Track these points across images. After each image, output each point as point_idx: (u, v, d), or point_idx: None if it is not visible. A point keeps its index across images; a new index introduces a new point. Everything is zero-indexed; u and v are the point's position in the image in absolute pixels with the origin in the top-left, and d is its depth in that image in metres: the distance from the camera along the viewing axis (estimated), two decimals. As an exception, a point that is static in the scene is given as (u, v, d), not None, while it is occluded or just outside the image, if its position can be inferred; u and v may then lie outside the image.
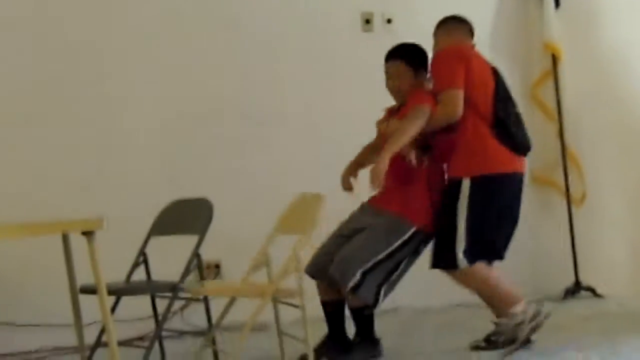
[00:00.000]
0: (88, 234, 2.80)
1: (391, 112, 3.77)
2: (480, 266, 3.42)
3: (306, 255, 3.18)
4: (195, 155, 4.68)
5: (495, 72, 3.66)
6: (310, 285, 3.17)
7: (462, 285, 3.47)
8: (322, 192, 3.44)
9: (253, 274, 3.34)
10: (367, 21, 5.05)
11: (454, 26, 3.93)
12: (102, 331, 3.42)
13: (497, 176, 3.52)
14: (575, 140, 5.33)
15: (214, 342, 3.48)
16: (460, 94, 3.43)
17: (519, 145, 3.65)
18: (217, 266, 4.26)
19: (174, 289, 3.28)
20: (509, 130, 3.56)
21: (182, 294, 3.39)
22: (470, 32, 3.90)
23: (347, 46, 5.01)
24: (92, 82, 4.53)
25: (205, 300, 3.47)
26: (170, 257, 3.51)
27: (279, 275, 3.03)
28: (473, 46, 3.81)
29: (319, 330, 3.66)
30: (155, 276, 3.61)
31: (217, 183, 4.44)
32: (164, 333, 3.61)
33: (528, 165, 5.18)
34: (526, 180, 5.19)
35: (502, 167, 3.55)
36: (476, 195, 3.42)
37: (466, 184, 3.43)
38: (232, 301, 3.34)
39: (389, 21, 5.07)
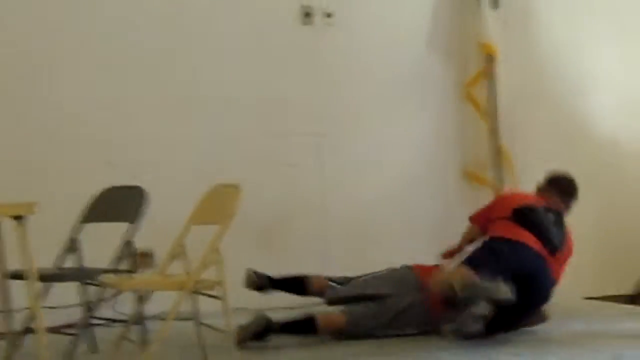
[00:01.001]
0: (18, 218, 2.78)
1: None
2: None
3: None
4: (132, 142, 4.67)
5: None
6: (230, 276, 3.15)
7: None
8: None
9: (170, 264, 3.32)
10: (307, 14, 5.04)
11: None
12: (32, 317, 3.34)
13: None
14: (508, 138, 5.36)
15: (136, 331, 3.45)
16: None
17: None
18: (150, 255, 4.23)
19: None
20: None
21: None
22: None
23: (287, 40, 5.02)
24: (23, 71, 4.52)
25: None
26: (108, 244, 3.47)
27: (198, 267, 3.00)
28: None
29: (240, 320, 3.72)
30: (92, 264, 3.54)
31: (154, 171, 4.44)
32: (95, 321, 3.59)
33: (460, 162, 5.38)
34: (457, 176, 5.39)
35: None
36: None
37: None
38: (148, 294, 3.35)
39: (329, 15, 5.06)
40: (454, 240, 5.01)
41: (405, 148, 5.29)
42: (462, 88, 5.38)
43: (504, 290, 3.46)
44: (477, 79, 5.34)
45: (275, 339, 3.83)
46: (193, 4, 4.88)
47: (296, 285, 4.13)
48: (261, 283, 4.03)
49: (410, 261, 4.40)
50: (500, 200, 4.53)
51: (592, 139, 5.65)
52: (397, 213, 5.22)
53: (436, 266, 4.10)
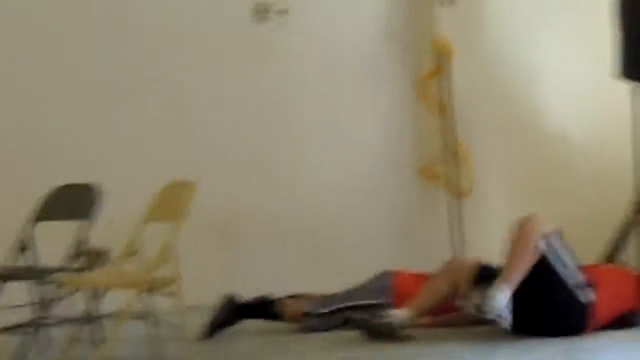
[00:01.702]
0: None
1: None
2: None
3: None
4: (86, 140, 4.67)
5: None
6: (186, 273, 3.15)
7: None
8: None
9: (125, 262, 3.32)
10: (261, 11, 5.01)
11: None
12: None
13: None
14: (463, 134, 5.39)
15: (90, 330, 3.44)
16: None
17: None
18: (105, 253, 4.21)
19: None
20: None
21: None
22: None
23: (241, 36, 5.01)
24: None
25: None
26: (63, 243, 3.47)
27: (152, 265, 3.00)
28: None
29: (196, 317, 3.73)
30: (47, 262, 3.52)
31: (108, 168, 4.42)
32: (48, 320, 3.57)
33: (414, 158, 5.39)
34: (411, 173, 5.40)
35: None
36: None
37: None
38: (103, 292, 3.35)
39: (283, 12, 5.03)
40: (409, 237, 5.10)
41: (357, 144, 5.31)
42: (416, 84, 5.39)
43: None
44: (431, 75, 5.35)
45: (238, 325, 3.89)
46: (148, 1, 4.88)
47: (268, 312, 4.00)
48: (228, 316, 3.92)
49: (369, 263, 4.40)
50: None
51: (545, 135, 5.68)
52: (349, 211, 5.24)
53: (420, 275, 4.03)
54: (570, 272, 3.46)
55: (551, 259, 3.40)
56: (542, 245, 3.36)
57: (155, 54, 4.86)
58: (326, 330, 3.72)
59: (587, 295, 3.45)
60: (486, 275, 3.48)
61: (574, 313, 3.45)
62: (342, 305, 3.91)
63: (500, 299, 3.18)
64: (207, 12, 4.94)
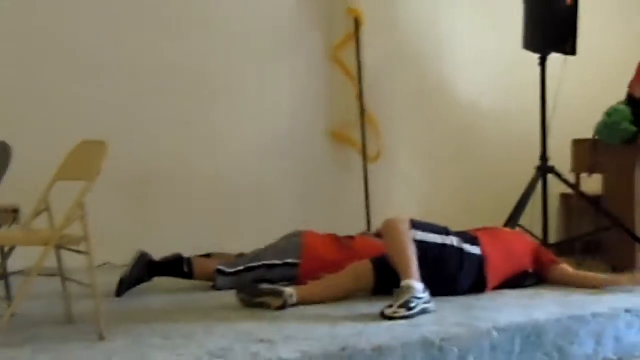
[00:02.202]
0: None
1: None
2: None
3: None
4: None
5: None
6: (96, 232, 3.08)
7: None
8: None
9: (35, 220, 3.24)
10: None
11: None
12: None
13: None
14: (373, 100, 5.49)
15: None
16: None
17: None
18: (16, 211, 4.13)
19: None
20: None
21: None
22: None
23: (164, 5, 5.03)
24: None
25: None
26: None
27: (63, 223, 2.92)
28: None
29: (106, 275, 3.77)
30: None
31: (19, 126, 4.35)
32: None
33: (327, 123, 5.48)
34: (324, 136, 5.47)
35: None
36: None
37: None
38: (12, 249, 3.27)
39: None
40: (323, 197, 5.13)
41: (274, 108, 5.36)
42: (331, 51, 5.46)
43: None
44: (345, 43, 5.42)
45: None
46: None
47: (180, 270, 4.00)
48: (142, 273, 3.92)
49: (282, 223, 4.51)
50: None
51: (454, 102, 5.89)
52: (265, 172, 5.29)
53: (329, 236, 4.13)
54: (447, 238, 3.70)
55: (427, 238, 3.62)
56: (413, 234, 3.55)
57: (76, 17, 4.78)
58: (236, 289, 3.66)
59: (475, 249, 3.73)
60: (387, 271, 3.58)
61: (469, 265, 3.71)
62: (252, 264, 3.94)
63: (418, 289, 3.29)
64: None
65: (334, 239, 4.12)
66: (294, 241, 4.02)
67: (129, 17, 4.92)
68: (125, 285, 3.85)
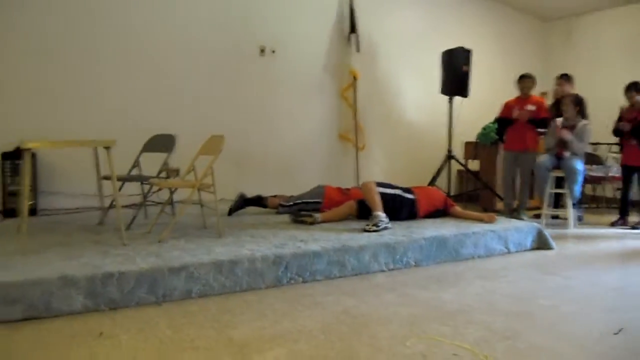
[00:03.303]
0: (107, 148, 2.69)
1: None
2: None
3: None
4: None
5: None
6: (218, 182, 2.99)
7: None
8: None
9: (186, 176, 3.18)
10: (262, 50, 4.91)
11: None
12: (113, 201, 3.30)
13: None
14: (362, 119, 5.34)
15: (169, 209, 3.32)
16: None
17: None
18: (177, 170, 4.01)
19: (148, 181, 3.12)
20: None
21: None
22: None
23: (249, 64, 4.86)
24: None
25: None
26: (156, 164, 3.28)
27: (201, 177, 2.90)
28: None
29: (222, 204, 3.77)
30: (148, 174, 3.34)
31: (180, 122, 4.00)
32: (147, 203, 3.49)
33: (337, 129, 5.34)
34: (336, 137, 5.21)
35: None
36: None
37: None
38: (175, 189, 3.22)
39: (273, 51, 4.94)
40: (333, 169, 4.95)
41: (310, 121, 5.22)
42: (340, 92, 5.33)
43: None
44: (348, 88, 5.29)
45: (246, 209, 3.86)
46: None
47: (260, 203, 3.90)
48: (241, 204, 3.85)
49: (313, 181, 4.40)
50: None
51: (403, 120, 5.71)
52: (304, 153, 5.17)
53: (339, 188, 3.92)
54: (395, 190, 3.60)
55: (386, 191, 3.53)
56: (378, 189, 3.46)
57: (167, 61, 4.45)
58: (289, 213, 3.65)
59: (410, 195, 3.64)
60: (365, 207, 3.49)
61: (407, 204, 3.62)
62: (297, 201, 3.86)
63: (382, 217, 3.26)
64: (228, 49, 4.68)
65: (340, 189, 4.00)
66: (319, 190, 3.90)
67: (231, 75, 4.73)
68: (232, 210, 3.81)
